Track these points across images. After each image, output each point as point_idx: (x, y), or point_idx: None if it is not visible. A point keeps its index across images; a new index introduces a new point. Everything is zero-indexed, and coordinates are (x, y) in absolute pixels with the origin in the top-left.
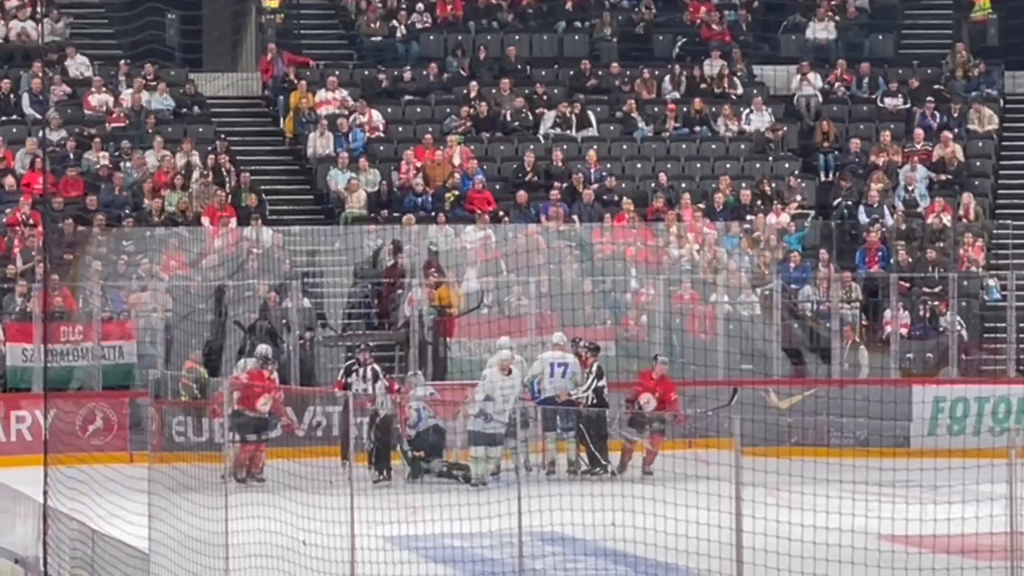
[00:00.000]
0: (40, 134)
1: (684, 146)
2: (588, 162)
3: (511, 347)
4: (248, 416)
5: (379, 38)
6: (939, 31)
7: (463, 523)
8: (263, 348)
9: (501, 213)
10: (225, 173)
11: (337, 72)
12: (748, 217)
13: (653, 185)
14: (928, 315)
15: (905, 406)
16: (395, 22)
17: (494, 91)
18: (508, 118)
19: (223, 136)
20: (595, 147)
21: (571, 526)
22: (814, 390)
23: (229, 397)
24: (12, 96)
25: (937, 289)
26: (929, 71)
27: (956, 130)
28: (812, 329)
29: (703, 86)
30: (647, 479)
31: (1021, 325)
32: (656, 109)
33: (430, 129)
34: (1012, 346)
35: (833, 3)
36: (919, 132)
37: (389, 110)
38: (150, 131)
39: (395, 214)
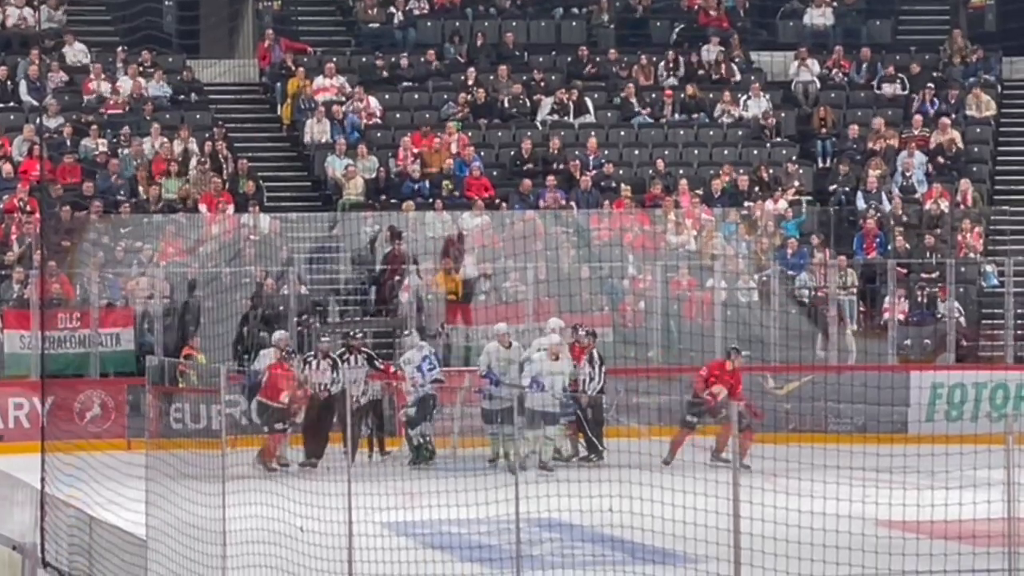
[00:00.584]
0: (37, 121)
1: (682, 132)
2: (588, 149)
3: (508, 332)
4: (271, 407)
5: (377, 24)
6: (937, 17)
7: (461, 509)
8: (281, 334)
9: (498, 200)
10: (223, 160)
11: (335, 59)
12: (746, 203)
13: (651, 171)
14: (926, 301)
15: (903, 392)
16: (392, 8)
17: (492, 77)
18: (506, 104)
19: (221, 123)
20: (593, 133)
21: (569, 512)
22: (811, 376)
23: (226, 385)
24: (9, 83)
25: (935, 275)
26: (927, 57)
27: (954, 116)
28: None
29: (701, 72)
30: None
31: (1019, 311)
32: (654, 95)
33: (427, 115)
34: (1010, 332)
35: None
36: (917, 118)
37: (387, 96)
38: (148, 118)
39: (393, 200)
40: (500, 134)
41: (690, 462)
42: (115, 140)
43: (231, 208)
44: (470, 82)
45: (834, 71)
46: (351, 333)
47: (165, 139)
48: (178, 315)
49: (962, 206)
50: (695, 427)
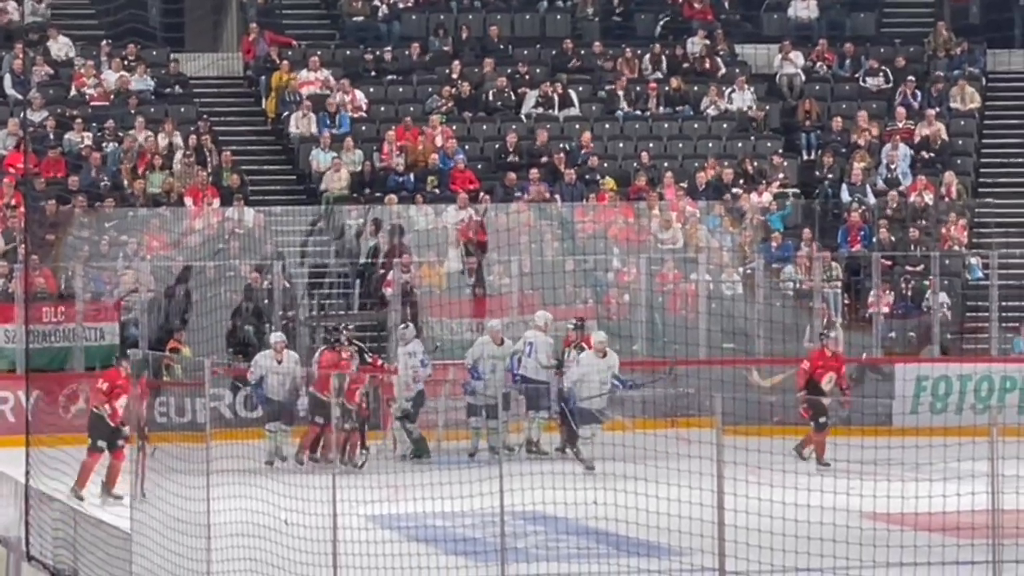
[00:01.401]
0: (22, 115)
1: (666, 125)
2: (582, 143)
3: (500, 329)
4: (320, 399)
5: (361, 18)
6: (921, 9)
7: (445, 502)
8: (277, 336)
9: (483, 194)
10: (207, 153)
11: (319, 52)
12: (732, 191)
13: (636, 164)
14: (910, 294)
15: (887, 384)
16: (377, 2)
17: (476, 71)
18: (490, 98)
19: (205, 116)
20: (578, 126)
21: (553, 505)
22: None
23: (211, 379)
24: None
25: (919, 268)
26: (911, 50)
27: (938, 109)
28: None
29: (685, 65)
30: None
31: (1003, 304)
32: (638, 88)
33: (412, 109)
34: (994, 324)
35: None
36: (901, 111)
37: (371, 90)
38: (132, 112)
39: (377, 194)
40: (485, 127)
41: (673, 454)
42: (99, 134)
43: (216, 202)
44: (455, 75)
45: (818, 64)
46: (342, 326)
47: (150, 133)
48: (163, 309)
49: (946, 199)
50: (827, 427)
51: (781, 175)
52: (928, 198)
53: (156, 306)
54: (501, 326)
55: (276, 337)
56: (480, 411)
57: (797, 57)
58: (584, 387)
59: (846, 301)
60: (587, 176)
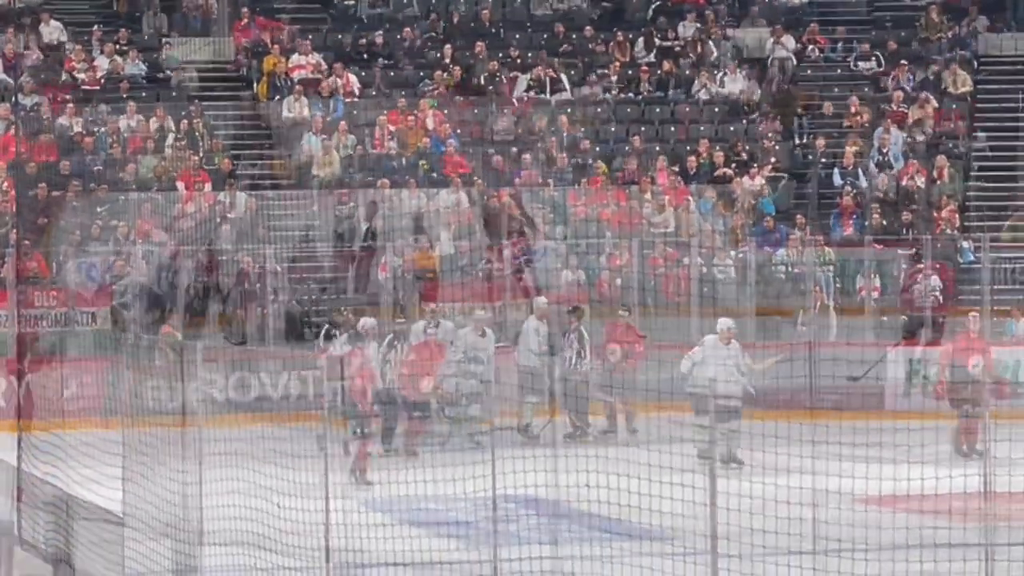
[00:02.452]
0: (13, 99)
1: (658, 109)
2: (561, 126)
3: (483, 321)
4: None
5: (352, 2)
6: None
7: (437, 485)
8: (368, 321)
9: (476, 177)
10: (199, 138)
11: (310, 36)
12: (724, 172)
13: (627, 148)
14: (902, 277)
15: (879, 367)
16: None
17: (468, 55)
18: (482, 81)
19: (196, 101)
20: (568, 110)
21: (545, 488)
22: (789, 353)
23: (202, 362)
24: None
25: (911, 251)
26: (903, 33)
27: (930, 92)
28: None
29: (677, 49)
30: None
31: (995, 287)
32: (630, 72)
33: (404, 93)
34: (986, 308)
35: None
36: (894, 94)
37: (363, 74)
38: (124, 96)
39: (370, 178)
40: (476, 111)
41: (665, 437)
42: (92, 119)
43: (208, 186)
44: (446, 59)
45: (810, 48)
46: (341, 309)
47: (141, 117)
48: (153, 293)
49: (938, 182)
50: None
51: (773, 159)
52: (920, 182)
53: (150, 291)
54: (485, 316)
55: (369, 322)
56: (461, 400)
57: (789, 41)
58: (699, 371)
59: (838, 285)
60: (578, 160)
